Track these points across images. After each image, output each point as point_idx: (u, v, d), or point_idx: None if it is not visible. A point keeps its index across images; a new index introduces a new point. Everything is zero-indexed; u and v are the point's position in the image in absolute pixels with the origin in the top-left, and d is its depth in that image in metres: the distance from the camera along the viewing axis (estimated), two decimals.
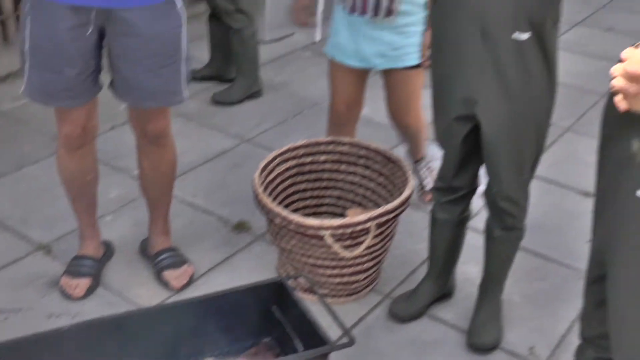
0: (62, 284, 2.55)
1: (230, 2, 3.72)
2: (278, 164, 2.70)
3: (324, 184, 2.83)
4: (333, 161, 2.80)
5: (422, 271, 2.60)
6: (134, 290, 2.59)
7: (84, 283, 2.55)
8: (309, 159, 2.77)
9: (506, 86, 2.03)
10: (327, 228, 2.33)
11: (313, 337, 1.96)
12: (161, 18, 2.17)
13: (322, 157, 2.79)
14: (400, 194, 2.49)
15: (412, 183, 2.50)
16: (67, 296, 2.53)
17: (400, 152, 3.08)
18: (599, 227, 1.72)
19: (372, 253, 2.47)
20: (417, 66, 2.61)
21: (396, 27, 2.54)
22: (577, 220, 2.93)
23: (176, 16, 2.21)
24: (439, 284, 2.52)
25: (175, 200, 2.71)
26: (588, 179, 1.67)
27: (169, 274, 2.60)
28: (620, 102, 1.42)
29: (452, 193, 2.33)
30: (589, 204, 1.78)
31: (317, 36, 4.60)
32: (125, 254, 2.76)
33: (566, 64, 3.97)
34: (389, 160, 2.70)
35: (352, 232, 2.35)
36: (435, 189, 2.39)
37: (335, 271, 2.47)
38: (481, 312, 2.42)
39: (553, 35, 2.02)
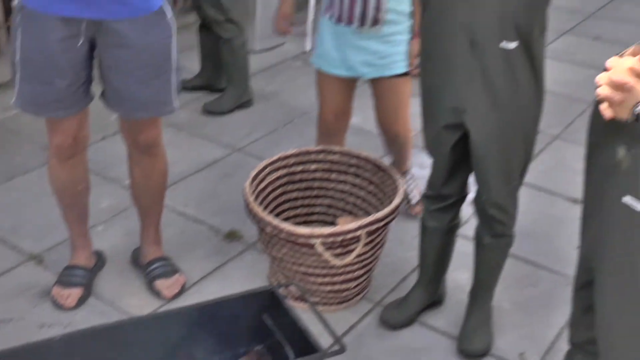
0: (54, 294, 2.55)
1: (220, 12, 3.74)
2: (269, 173, 2.71)
3: (315, 192, 2.85)
4: (324, 170, 2.81)
5: (413, 279, 2.61)
6: (126, 300, 2.59)
7: (75, 293, 2.55)
8: (299, 168, 2.79)
9: (494, 95, 2.05)
10: (318, 236, 2.35)
11: (304, 344, 1.97)
12: (151, 29, 2.19)
13: (313, 166, 2.80)
14: (391, 202, 2.50)
15: (402, 191, 2.52)
16: (58, 306, 2.53)
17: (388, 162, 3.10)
18: (586, 234, 1.74)
19: (362, 261, 2.48)
20: (405, 74, 2.64)
21: (382, 36, 2.56)
22: (566, 227, 2.95)
23: (166, 27, 2.22)
24: (430, 291, 2.54)
25: (166, 210, 2.72)
26: (576, 186, 1.69)
27: (161, 284, 2.61)
28: (606, 110, 1.44)
29: (442, 201, 2.35)
30: (577, 211, 1.80)
31: (308, 45, 4.63)
32: (116, 263, 2.76)
33: (554, 73, 4.01)
34: (379, 168, 2.71)
35: (342, 241, 2.36)
36: (424, 196, 2.40)
37: (326, 279, 2.48)
38: (471, 319, 2.44)
39: (540, 44, 2.04)
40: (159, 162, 2.51)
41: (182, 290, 2.62)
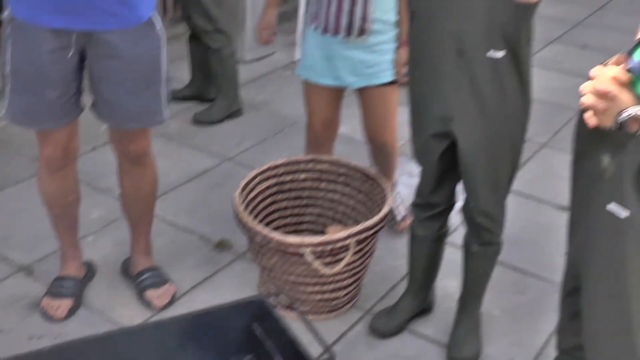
0: (44, 305, 2.55)
1: (208, 22, 3.75)
2: (258, 183, 2.72)
3: (304, 201, 2.86)
4: (313, 179, 2.83)
5: (402, 287, 2.62)
6: (116, 311, 2.59)
7: (65, 304, 2.55)
8: (289, 177, 2.80)
9: (482, 103, 2.06)
10: (308, 245, 2.36)
11: (294, 354, 1.97)
12: (141, 40, 2.20)
13: (302, 175, 2.81)
14: (380, 210, 2.52)
15: (390, 200, 2.54)
16: (48, 317, 2.53)
17: None
18: (573, 241, 1.76)
19: (352, 270, 2.49)
20: (392, 83, 2.65)
21: (369, 46, 2.57)
22: (554, 234, 2.97)
23: (156, 37, 2.23)
24: (419, 299, 2.55)
25: (157, 220, 2.72)
26: (564, 194, 1.71)
27: (151, 294, 2.61)
28: (590, 119, 1.46)
29: (430, 209, 2.37)
30: (564, 218, 1.81)
31: (297, 55, 4.65)
32: (107, 274, 2.76)
33: (542, 81, 4.05)
34: (368, 177, 2.73)
35: (332, 249, 2.37)
36: (413, 205, 2.42)
37: (316, 288, 2.49)
38: (460, 327, 2.45)
39: (527, 52, 2.06)
40: (149, 172, 2.52)
41: (173, 300, 2.63)
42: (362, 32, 2.53)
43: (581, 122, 1.55)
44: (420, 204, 2.38)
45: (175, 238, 2.99)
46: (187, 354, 2.10)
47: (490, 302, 2.58)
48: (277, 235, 2.39)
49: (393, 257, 2.88)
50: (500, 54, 1.99)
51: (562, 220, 1.77)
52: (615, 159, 1.48)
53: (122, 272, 2.76)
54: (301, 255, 2.37)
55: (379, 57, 2.60)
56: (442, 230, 2.42)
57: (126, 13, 2.13)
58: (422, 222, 2.40)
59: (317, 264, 2.38)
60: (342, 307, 2.60)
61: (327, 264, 2.40)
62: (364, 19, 2.51)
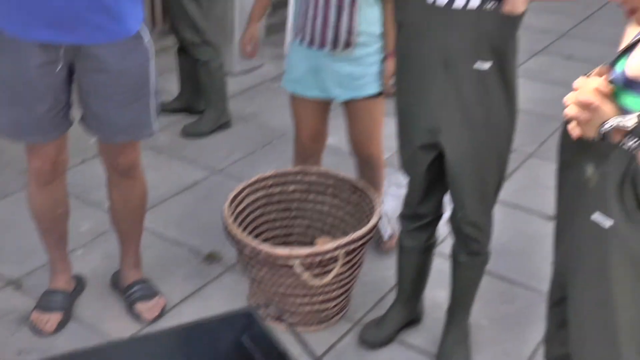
0: (33, 319, 2.55)
1: (196, 35, 3.77)
2: (247, 195, 2.73)
3: (293, 213, 2.87)
4: (302, 191, 2.84)
5: (391, 297, 2.63)
6: (106, 324, 2.59)
7: (55, 318, 2.54)
8: (277, 189, 2.81)
9: (469, 115, 2.08)
10: (296, 257, 2.37)
11: None
12: (129, 53, 2.21)
13: (291, 187, 2.82)
14: (368, 221, 2.53)
15: (379, 211, 2.55)
16: (37, 331, 2.52)
17: None
18: (559, 251, 1.77)
19: (341, 281, 2.50)
20: (378, 95, 2.66)
21: (355, 58, 2.58)
22: (541, 244, 2.99)
23: (144, 51, 2.24)
24: (408, 309, 2.56)
25: (146, 232, 2.73)
26: (550, 203, 1.73)
27: (141, 306, 2.61)
28: (573, 130, 1.48)
29: (418, 220, 2.38)
30: (552, 228, 1.82)
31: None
32: (96, 287, 2.76)
33: (528, 92, 4.07)
34: (356, 189, 2.74)
35: (320, 261, 2.38)
36: (401, 216, 2.43)
37: (306, 299, 2.50)
38: (449, 337, 2.46)
39: (513, 63, 2.07)
40: (137, 185, 2.52)
41: (162, 313, 2.63)
42: (347, 44, 2.54)
43: (565, 133, 1.57)
44: (408, 215, 2.40)
45: (164, 250, 2.99)
46: None
47: (479, 312, 2.59)
48: (266, 247, 2.40)
49: (382, 268, 2.89)
50: (487, 65, 2.01)
51: (549, 229, 1.79)
52: (598, 169, 1.50)
53: (112, 285, 2.76)
54: (290, 267, 2.38)
55: (365, 69, 2.61)
56: (430, 240, 2.44)
57: (114, 27, 2.14)
58: (410, 233, 2.41)
59: (306, 276, 2.39)
60: (332, 318, 2.61)
61: (316, 275, 2.41)
62: (349, 31, 2.51)
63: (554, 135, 3.95)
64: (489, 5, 1.95)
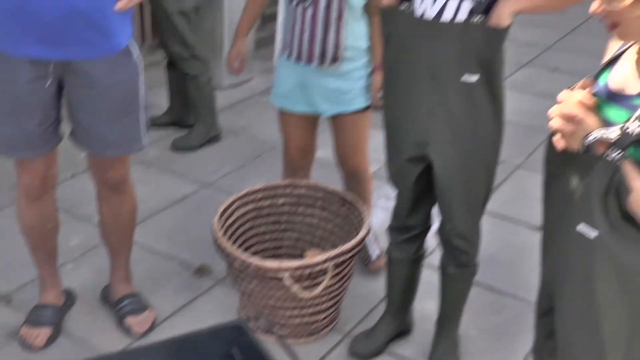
0: (22, 334, 2.54)
1: (184, 49, 3.79)
2: (237, 208, 2.74)
3: (283, 226, 2.88)
4: (291, 204, 2.85)
5: (381, 309, 2.64)
6: (96, 338, 2.59)
7: (44, 332, 2.54)
8: (267, 202, 2.82)
9: (457, 127, 2.09)
10: (286, 269, 2.37)
11: None
12: (118, 68, 2.22)
13: (280, 200, 2.84)
14: (357, 234, 2.54)
15: (367, 223, 2.56)
16: (27, 346, 2.52)
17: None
18: (546, 261, 1.78)
19: (330, 293, 2.51)
20: (365, 109, 2.68)
21: (342, 73, 2.59)
22: (529, 254, 2.99)
23: (133, 66, 2.25)
24: (397, 321, 2.57)
25: (136, 246, 2.73)
26: (538, 214, 1.74)
27: (131, 320, 2.61)
28: (558, 142, 1.50)
29: (407, 232, 2.39)
30: (539, 238, 1.84)
31: None
32: (86, 301, 2.76)
33: (516, 104, 4.11)
34: (345, 201, 2.76)
35: (310, 273, 2.39)
36: (390, 228, 2.45)
37: (295, 312, 2.50)
38: (439, 348, 2.48)
39: (500, 76, 2.09)
40: (127, 199, 2.53)
41: (153, 326, 2.63)
42: (335, 59, 2.55)
43: (551, 145, 1.59)
44: (396, 227, 2.41)
45: (155, 264, 2.99)
46: None
47: (468, 323, 2.61)
48: (256, 260, 2.41)
49: (371, 279, 2.91)
50: (474, 77, 2.02)
51: (536, 240, 1.81)
52: (583, 180, 1.52)
53: (102, 299, 2.76)
54: (280, 280, 2.39)
55: (352, 84, 2.62)
56: (419, 252, 2.45)
57: (103, 42, 2.15)
58: (398, 245, 2.43)
59: (295, 288, 2.40)
60: (322, 330, 2.62)
61: (306, 288, 2.42)
62: (336, 46, 2.53)
63: (541, 147, 3.93)
64: (476, 19, 1.97)
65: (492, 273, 2.91)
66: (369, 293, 2.84)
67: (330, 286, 2.48)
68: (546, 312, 1.80)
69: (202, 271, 2.96)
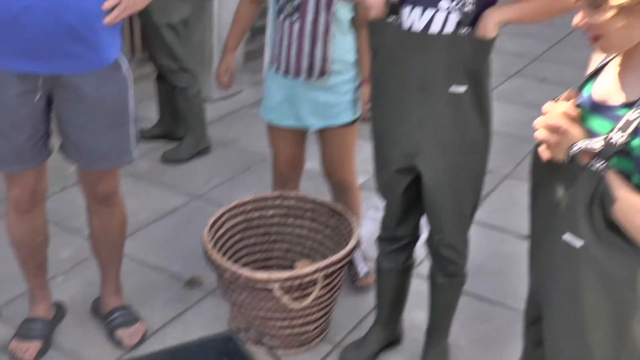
0: (12, 348, 2.53)
1: (173, 62, 3.80)
2: (227, 220, 2.75)
3: (272, 237, 2.89)
4: (280, 215, 2.86)
5: (371, 319, 2.65)
6: (87, 351, 2.58)
7: (34, 346, 2.53)
8: (257, 214, 2.83)
9: (445, 138, 2.11)
10: (276, 281, 2.38)
11: None
12: (107, 82, 2.22)
13: (270, 212, 2.85)
14: (347, 244, 2.55)
15: (357, 233, 2.58)
16: None
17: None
18: (533, 270, 1.80)
19: (320, 303, 2.52)
20: (352, 123, 2.69)
21: (330, 86, 2.59)
22: (518, 263, 3.02)
23: (122, 79, 2.26)
24: (388, 331, 2.58)
25: (127, 259, 2.73)
26: (527, 223, 1.77)
27: (122, 332, 2.61)
28: (544, 152, 1.52)
29: (396, 242, 2.41)
30: (527, 247, 1.86)
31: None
32: (77, 314, 2.75)
33: (504, 114, 4.14)
34: (334, 212, 2.77)
35: (300, 284, 2.40)
36: (379, 239, 2.46)
37: (286, 323, 2.51)
38: (428, 357, 2.48)
39: (487, 86, 2.11)
40: (117, 213, 2.53)
41: (144, 339, 2.63)
42: (322, 73, 2.55)
43: (536, 155, 1.61)
44: (385, 238, 2.42)
45: (145, 276, 2.99)
46: None
47: (457, 332, 2.62)
48: (246, 271, 2.41)
49: (361, 290, 2.91)
50: (462, 88, 2.04)
51: (525, 249, 1.82)
52: (568, 190, 1.53)
53: (93, 312, 2.75)
54: (270, 291, 2.40)
55: (339, 97, 2.63)
56: (408, 262, 2.47)
57: (92, 56, 2.16)
58: (387, 255, 2.44)
59: (285, 299, 2.40)
60: (312, 340, 2.63)
61: (296, 299, 2.43)
62: (324, 59, 2.54)
63: (529, 157, 3.96)
64: (463, 30, 1.99)
65: (481, 282, 2.93)
66: (359, 303, 2.85)
67: (320, 297, 2.49)
68: (534, 320, 1.81)
69: (192, 283, 2.96)
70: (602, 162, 1.42)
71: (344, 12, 2.54)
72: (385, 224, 2.40)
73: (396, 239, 2.40)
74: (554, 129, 1.46)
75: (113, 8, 2.13)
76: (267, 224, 2.86)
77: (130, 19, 4.87)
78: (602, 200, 1.44)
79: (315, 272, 2.40)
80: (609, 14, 1.36)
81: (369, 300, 2.74)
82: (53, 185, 2.62)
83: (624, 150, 1.41)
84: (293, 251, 2.91)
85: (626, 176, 1.42)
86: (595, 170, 1.43)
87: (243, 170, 3.91)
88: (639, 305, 1.52)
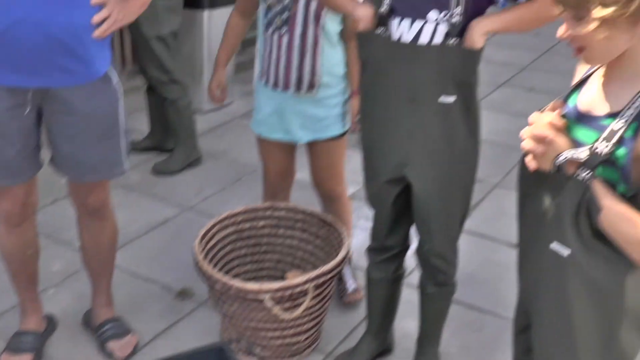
0: None
1: (163, 74, 3.81)
2: (218, 231, 2.76)
3: (263, 248, 2.90)
4: (271, 226, 2.87)
5: (362, 329, 2.65)
6: None
7: (25, 359, 2.52)
8: (247, 225, 2.84)
9: (435, 148, 2.11)
10: (267, 291, 2.39)
11: None
12: (97, 95, 2.22)
13: (261, 223, 2.86)
14: (337, 254, 2.56)
15: (347, 244, 2.59)
16: None
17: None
18: (522, 279, 1.81)
19: (311, 314, 2.53)
20: (340, 136, 2.70)
21: (318, 99, 2.60)
22: (508, 272, 3.02)
23: (112, 92, 2.26)
24: (379, 340, 2.59)
25: (118, 271, 2.73)
26: (516, 232, 1.79)
27: (113, 344, 2.61)
28: (530, 162, 1.54)
29: (386, 252, 2.41)
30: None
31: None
32: (68, 326, 2.75)
33: (493, 123, 4.17)
34: (324, 223, 2.78)
35: (291, 294, 2.41)
36: (369, 249, 2.47)
37: (277, 333, 2.52)
38: None
39: (475, 96, 2.12)
40: (108, 225, 2.53)
41: (135, 351, 2.63)
42: (311, 86, 2.56)
43: (524, 165, 1.62)
44: (375, 248, 2.43)
45: (136, 288, 2.99)
46: None
47: (448, 341, 2.63)
48: (237, 282, 2.42)
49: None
50: (451, 98, 2.05)
51: (514, 257, 1.84)
52: (555, 199, 1.55)
53: (84, 324, 2.75)
54: (261, 301, 2.40)
55: (329, 110, 2.64)
56: (398, 272, 2.47)
57: (82, 69, 2.16)
58: (377, 265, 2.45)
59: (276, 310, 2.41)
60: (304, 351, 2.63)
61: (287, 309, 2.43)
62: (312, 73, 2.55)
63: (518, 166, 4.01)
64: (452, 41, 2.01)
65: (471, 291, 2.94)
66: (350, 313, 2.86)
67: (311, 307, 2.49)
68: (524, 329, 1.82)
69: (183, 294, 2.96)
70: (588, 171, 1.44)
71: (332, 25, 2.55)
72: (375, 234, 2.41)
73: (386, 249, 2.41)
74: (540, 139, 1.48)
75: (102, 21, 2.14)
76: (258, 234, 2.87)
77: (121, 31, 4.88)
78: (588, 209, 1.46)
79: (306, 282, 2.41)
80: (592, 26, 1.38)
81: (360, 310, 2.75)
82: (44, 198, 2.62)
83: (609, 160, 1.43)
84: (284, 262, 2.91)
85: (611, 185, 1.44)
86: (581, 179, 1.45)
87: (234, 182, 3.91)
88: (626, 313, 1.54)
